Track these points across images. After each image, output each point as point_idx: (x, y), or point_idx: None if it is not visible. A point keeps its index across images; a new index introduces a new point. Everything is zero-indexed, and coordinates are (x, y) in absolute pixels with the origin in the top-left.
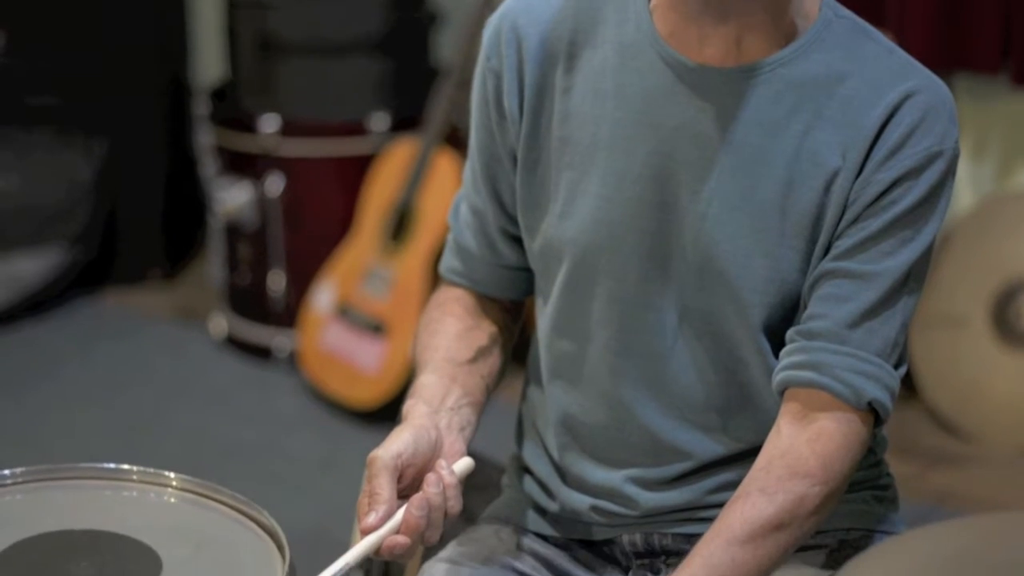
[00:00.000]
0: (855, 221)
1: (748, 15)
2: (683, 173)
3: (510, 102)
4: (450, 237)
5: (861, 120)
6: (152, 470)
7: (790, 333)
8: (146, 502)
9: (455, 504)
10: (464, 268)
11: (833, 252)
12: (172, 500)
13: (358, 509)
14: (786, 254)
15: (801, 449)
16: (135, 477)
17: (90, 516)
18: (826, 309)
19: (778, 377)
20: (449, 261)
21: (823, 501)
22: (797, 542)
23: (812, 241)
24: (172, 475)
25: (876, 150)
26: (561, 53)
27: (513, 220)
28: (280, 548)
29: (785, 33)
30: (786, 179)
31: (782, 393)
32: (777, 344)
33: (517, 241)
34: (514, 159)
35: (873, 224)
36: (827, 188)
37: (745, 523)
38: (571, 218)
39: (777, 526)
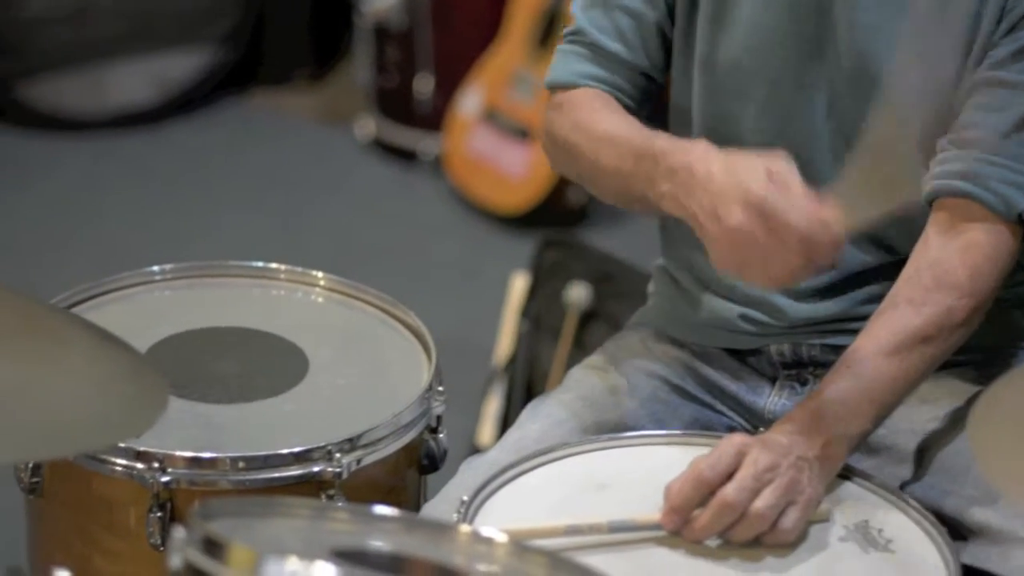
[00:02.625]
0: (1011, 31)
1: None
2: None
3: None
4: (569, 48)
5: None
6: (300, 269)
7: (942, 142)
8: (293, 300)
9: None
10: (604, 74)
11: (988, 61)
12: (319, 299)
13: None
14: (943, 63)
15: (950, 260)
16: (283, 276)
17: (238, 313)
18: (979, 118)
19: (928, 187)
20: (581, 67)
21: (970, 314)
22: (943, 355)
23: (970, 48)
24: (319, 275)
25: None
26: None
27: (671, 15)
28: (426, 348)
29: None
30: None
31: (931, 203)
32: (929, 155)
33: (667, 45)
34: None
35: None
36: None
37: (892, 334)
38: (727, 22)
39: (924, 338)
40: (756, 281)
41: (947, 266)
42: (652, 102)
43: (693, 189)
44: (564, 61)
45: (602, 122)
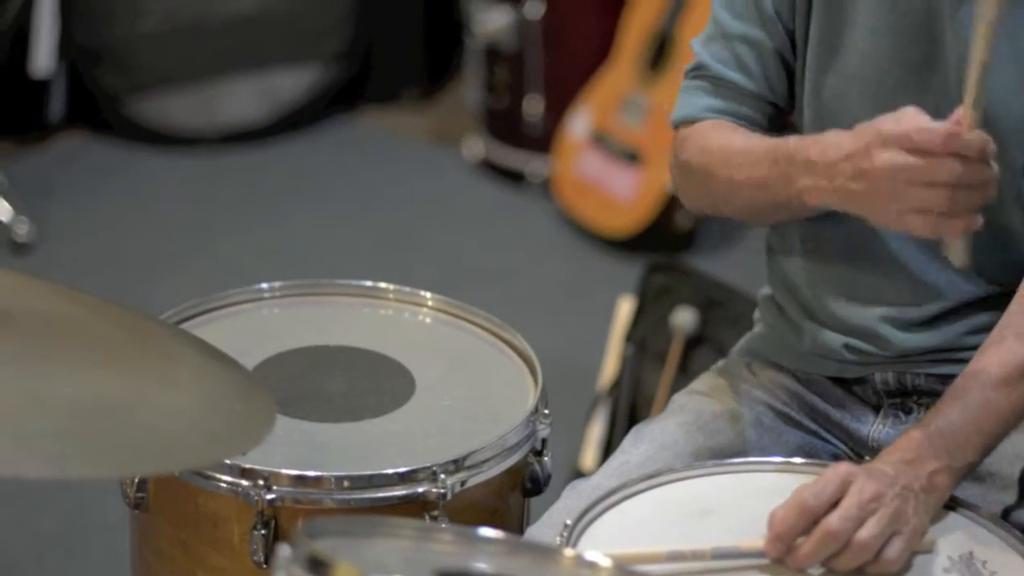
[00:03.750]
0: None
1: None
2: (949, 8)
3: None
4: (692, 84)
5: None
6: (408, 289)
7: None
8: (401, 320)
9: None
10: (728, 105)
11: None
12: (427, 320)
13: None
14: None
15: None
16: (391, 295)
17: (346, 332)
18: None
19: None
20: (704, 101)
21: None
22: None
23: None
24: (428, 295)
25: None
26: None
27: (791, 41)
28: (532, 371)
29: None
30: None
31: None
32: None
33: (789, 74)
34: None
35: None
36: None
37: (1000, 366)
38: (836, 48)
39: None
40: (923, 229)
41: None
42: (780, 129)
43: (833, 169)
44: (688, 97)
45: (731, 141)
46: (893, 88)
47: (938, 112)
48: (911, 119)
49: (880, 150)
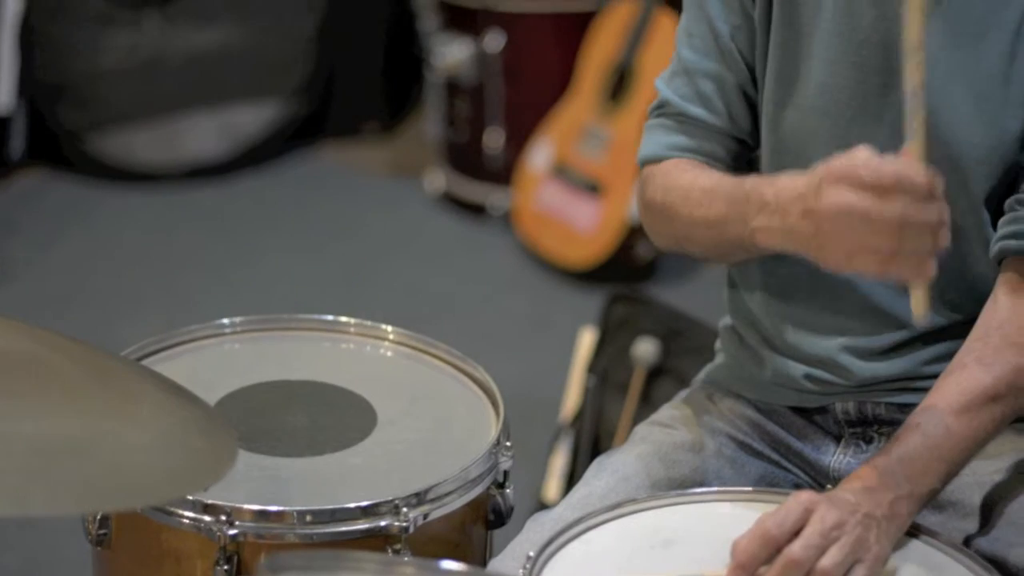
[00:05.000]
0: None
1: None
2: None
3: None
4: (656, 122)
5: None
6: (369, 323)
7: (1009, 202)
8: (362, 354)
9: None
10: (692, 143)
11: None
12: (388, 353)
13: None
14: (1009, 123)
15: (1019, 320)
16: (352, 329)
17: (307, 366)
18: None
19: (996, 246)
20: (669, 140)
21: None
22: (1013, 414)
23: None
24: (389, 328)
25: None
26: None
27: (752, 76)
28: (494, 403)
29: None
30: (1010, 48)
31: (1000, 263)
32: (996, 215)
33: (752, 108)
34: (745, 15)
35: None
36: None
37: (961, 393)
38: (794, 81)
39: (993, 397)
40: (872, 269)
41: (1016, 326)
42: (746, 165)
43: (786, 211)
44: (652, 136)
45: (694, 179)
46: (851, 120)
47: (895, 142)
48: (861, 157)
49: (829, 188)
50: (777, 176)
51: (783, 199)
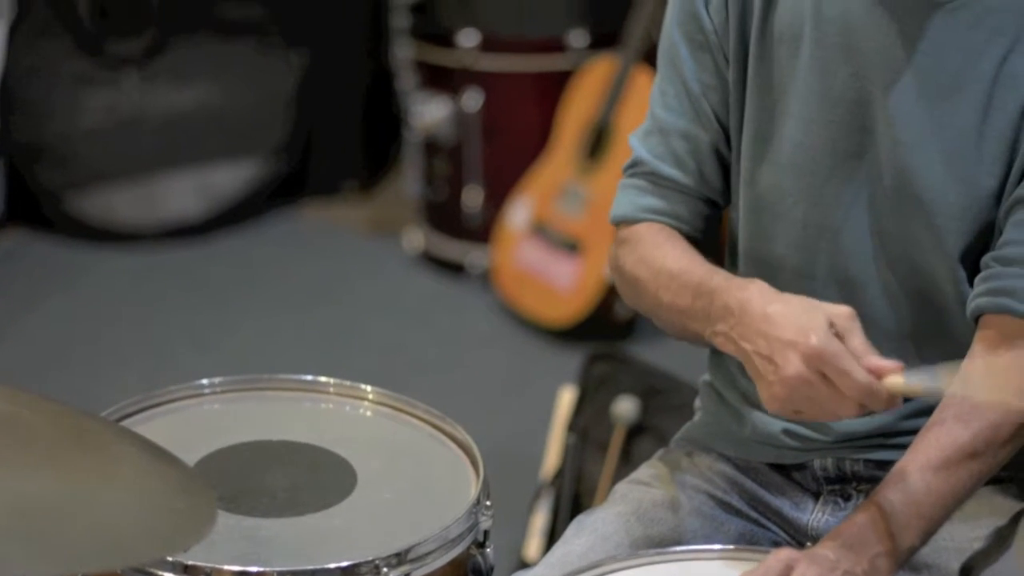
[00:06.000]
0: None
1: None
2: (881, 97)
3: (718, 17)
4: (630, 181)
5: None
6: (348, 383)
7: (985, 259)
8: (342, 414)
9: None
10: (665, 205)
11: None
12: (368, 413)
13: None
14: (983, 180)
15: (996, 377)
16: (332, 389)
17: (287, 427)
18: (1019, 234)
19: (973, 304)
20: (641, 201)
21: (1017, 430)
22: (991, 471)
23: (1009, 166)
24: (368, 388)
25: None
26: None
27: (726, 135)
28: (474, 463)
29: None
30: (984, 104)
31: (976, 319)
32: (973, 272)
33: (724, 168)
34: (719, 74)
35: None
36: None
37: (940, 450)
38: (769, 140)
39: (971, 454)
40: (814, 419)
41: (993, 383)
42: (715, 230)
43: (748, 331)
44: (626, 195)
45: (664, 257)
46: (826, 178)
47: (871, 200)
48: (841, 349)
49: (796, 357)
50: (745, 284)
51: (748, 322)
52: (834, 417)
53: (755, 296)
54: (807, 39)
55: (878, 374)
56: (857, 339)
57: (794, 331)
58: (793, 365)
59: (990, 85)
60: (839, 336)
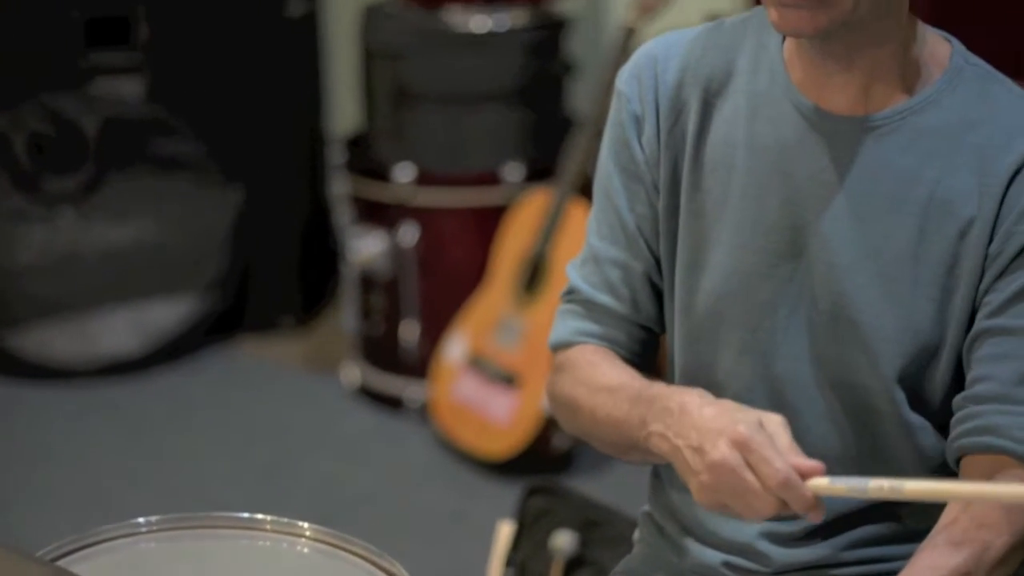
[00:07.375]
0: (1002, 275)
1: (873, 62)
2: (815, 222)
3: (650, 148)
4: (567, 308)
5: (995, 167)
6: (285, 520)
7: (958, 400)
8: (279, 552)
9: None
10: (600, 329)
11: (985, 310)
12: (305, 550)
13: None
14: (919, 304)
15: (985, 505)
16: (268, 527)
17: (224, 566)
18: (989, 370)
19: (954, 446)
20: (578, 325)
21: (1008, 552)
22: None
23: (947, 290)
24: (305, 525)
25: (1013, 199)
26: (695, 102)
27: (658, 263)
28: None
29: (914, 80)
30: (919, 228)
31: (958, 462)
32: (910, 393)
33: (658, 295)
34: (651, 204)
35: (1022, 277)
36: (962, 236)
37: (934, 570)
38: (703, 268)
39: (964, 574)
40: (734, 516)
41: (984, 509)
42: (653, 354)
43: (683, 425)
44: (562, 321)
45: (602, 376)
46: (762, 304)
47: (808, 325)
48: (768, 439)
49: (723, 443)
50: (688, 391)
51: (684, 419)
52: (755, 513)
53: (695, 398)
54: (740, 167)
55: (802, 474)
56: (784, 440)
57: (725, 422)
58: (719, 450)
59: (925, 208)
60: (768, 434)
